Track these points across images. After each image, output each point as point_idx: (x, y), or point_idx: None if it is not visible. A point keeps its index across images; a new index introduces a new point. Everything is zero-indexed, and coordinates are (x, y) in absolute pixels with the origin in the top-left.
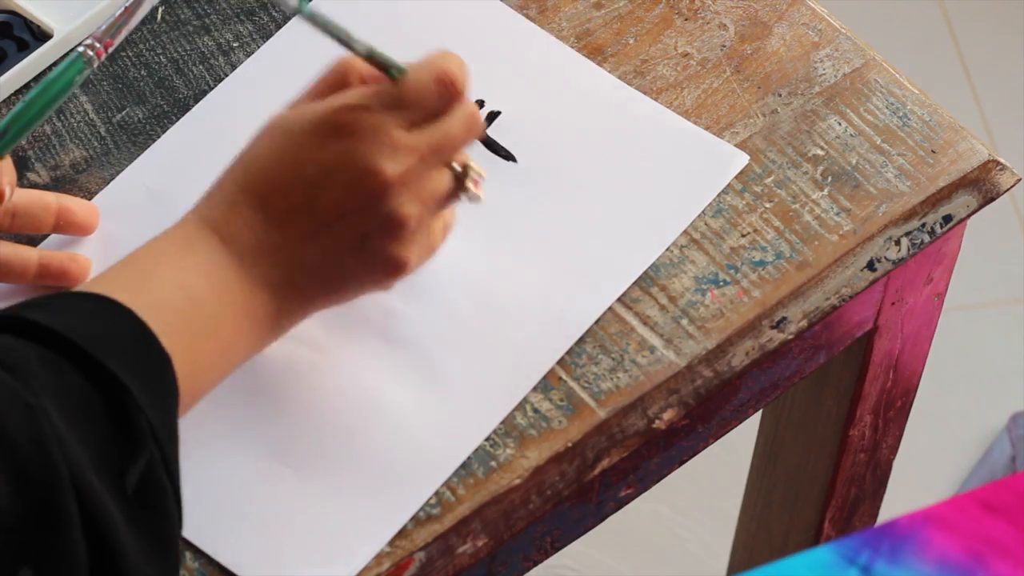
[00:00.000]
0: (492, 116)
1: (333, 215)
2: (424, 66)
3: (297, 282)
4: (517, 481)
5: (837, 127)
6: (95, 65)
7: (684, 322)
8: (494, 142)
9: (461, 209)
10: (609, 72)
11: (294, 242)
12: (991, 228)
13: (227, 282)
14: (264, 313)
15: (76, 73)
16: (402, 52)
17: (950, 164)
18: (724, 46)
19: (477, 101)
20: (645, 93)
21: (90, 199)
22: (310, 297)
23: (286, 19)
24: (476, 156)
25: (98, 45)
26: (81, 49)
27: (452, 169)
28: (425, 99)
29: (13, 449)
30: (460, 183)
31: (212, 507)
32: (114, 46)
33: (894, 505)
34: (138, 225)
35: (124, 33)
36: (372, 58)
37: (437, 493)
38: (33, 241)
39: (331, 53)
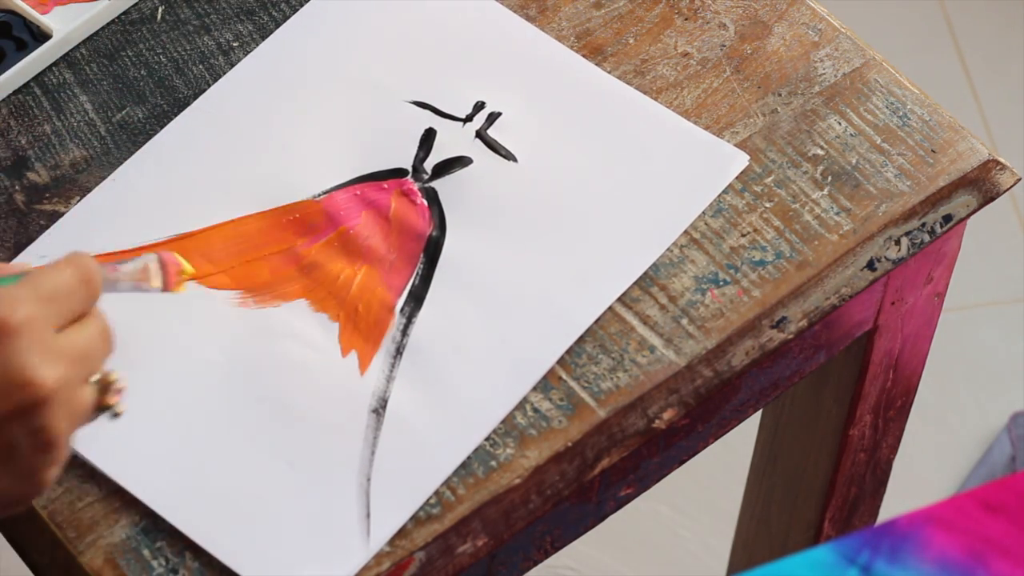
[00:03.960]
0: (493, 117)
1: None
2: (60, 263)
3: None
4: (517, 481)
5: (837, 127)
6: None
7: (684, 322)
8: (494, 142)
9: (462, 209)
10: (609, 72)
11: None
12: (991, 228)
13: None
14: None
15: None
16: (402, 54)
17: (950, 164)
18: (724, 46)
19: (478, 103)
20: (645, 93)
21: None
22: None
23: (286, 18)
24: (477, 155)
25: None
26: None
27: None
28: (72, 293)
29: None
30: (101, 398)
31: (212, 506)
32: None
33: (894, 505)
34: (139, 217)
35: None
36: None
37: (437, 493)
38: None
39: (328, 53)
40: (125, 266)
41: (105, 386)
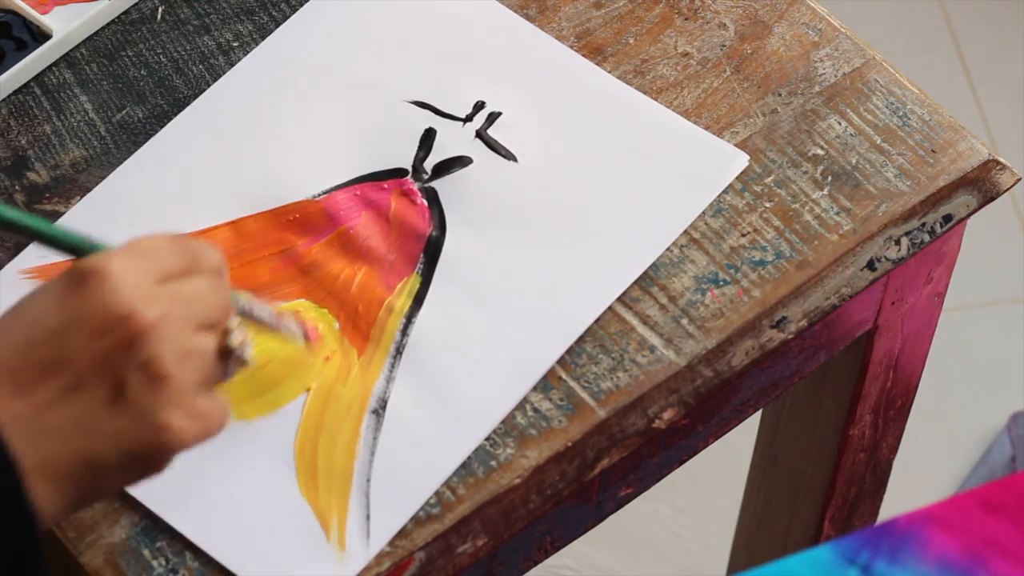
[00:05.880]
0: (493, 116)
1: (84, 365)
2: (161, 233)
3: (48, 459)
4: (517, 481)
5: (837, 127)
6: None
7: (684, 322)
8: (494, 142)
9: (462, 209)
10: (609, 72)
11: (41, 407)
12: (991, 228)
13: None
14: None
15: None
16: (402, 54)
17: (950, 164)
18: (724, 46)
19: (478, 102)
20: (645, 93)
21: None
22: (66, 477)
23: (286, 18)
24: (477, 155)
25: None
26: None
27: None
28: (163, 250)
29: None
30: (223, 343)
31: (212, 507)
32: None
33: (894, 505)
34: (138, 218)
35: None
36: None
37: (437, 493)
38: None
39: (328, 53)
40: (283, 318)
41: (224, 333)
